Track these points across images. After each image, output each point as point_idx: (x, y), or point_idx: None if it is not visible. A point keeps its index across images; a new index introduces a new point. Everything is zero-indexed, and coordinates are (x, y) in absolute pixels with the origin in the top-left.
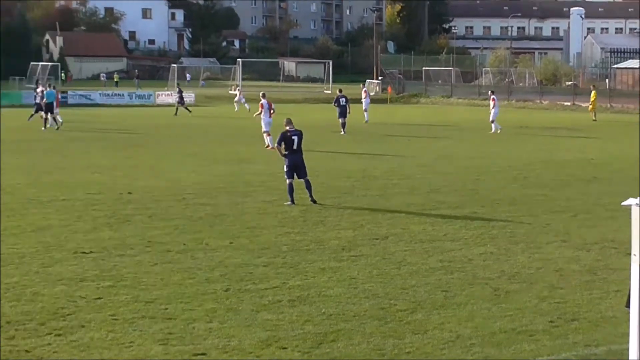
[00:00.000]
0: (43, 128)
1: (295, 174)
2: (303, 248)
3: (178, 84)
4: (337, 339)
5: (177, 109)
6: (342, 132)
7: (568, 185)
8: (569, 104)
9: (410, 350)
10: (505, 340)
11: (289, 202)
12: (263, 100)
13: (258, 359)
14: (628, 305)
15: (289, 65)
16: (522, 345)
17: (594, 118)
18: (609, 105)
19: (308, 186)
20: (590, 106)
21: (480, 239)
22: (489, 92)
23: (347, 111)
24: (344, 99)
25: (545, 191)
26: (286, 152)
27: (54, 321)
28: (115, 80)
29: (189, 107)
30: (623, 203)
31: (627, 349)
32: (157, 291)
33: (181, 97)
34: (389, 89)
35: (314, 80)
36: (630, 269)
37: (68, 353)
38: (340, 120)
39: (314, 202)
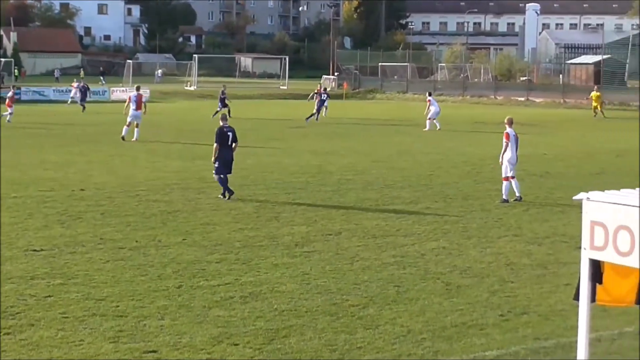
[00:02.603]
0: None
1: (225, 170)
2: (256, 244)
3: (81, 79)
4: (289, 335)
5: (84, 106)
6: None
7: (520, 180)
8: (523, 99)
9: (361, 346)
10: (456, 335)
11: (227, 195)
12: (131, 93)
13: (209, 356)
14: (577, 298)
15: (246, 61)
16: (472, 339)
17: (595, 114)
18: (562, 100)
19: (226, 181)
20: (597, 104)
21: (433, 234)
22: (427, 93)
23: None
24: (325, 95)
25: (498, 186)
26: (221, 149)
27: (2, 320)
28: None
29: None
30: (574, 197)
31: (576, 342)
32: (108, 289)
33: (84, 93)
34: (345, 84)
35: (270, 76)
36: (580, 263)
37: (17, 352)
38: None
39: (224, 197)
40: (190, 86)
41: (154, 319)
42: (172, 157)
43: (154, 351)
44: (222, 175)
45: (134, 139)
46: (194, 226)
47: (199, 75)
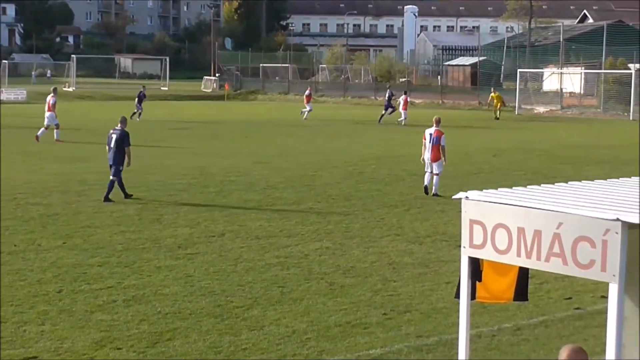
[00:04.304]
0: None
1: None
2: (138, 247)
3: None
4: (173, 338)
5: None
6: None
7: (401, 179)
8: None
9: (246, 347)
10: (340, 334)
11: (124, 197)
12: (49, 97)
13: None
14: (457, 296)
15: (125, 61)
16: (356, 338)
17: (497, 116)
18: (441, 101)
19: (109, 184)
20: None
21: (316, 234)
22: (404, 92)
23: (389, 105)
24: (389, 92)
25: (380, 186)
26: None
27: None
28: None
29: None
30: (453, 197)
31: (457, 339)
32: None
33: None
34: (227, 85)
35: (151, 77)
36: (459, 261)
37: None
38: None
39: (106, 200)
40: (68, 87)
41: (34, 324)
42: (51, 159)
43: (34, 357)
44: (112, 177)
45: (54, 139)
46: (75, 229)
47: (77, 76)
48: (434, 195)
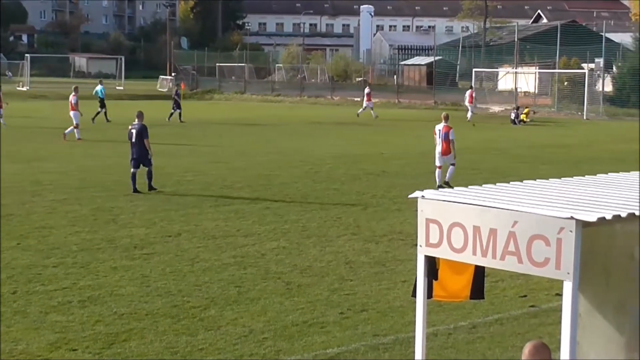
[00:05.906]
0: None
1: (140, 164)
2: (94, 247)
3: None
4: (129, 339)
5: None
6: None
7: (358, 179)
8: (359, 99)
9: (203, 347)
10: (297, 333)
11: (132, 191)
12: (70, 96)
13: None
14: (414, 294)
15: (80, 60)
16: (313, 338)
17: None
18: (397, 101)
19: (148, 175)
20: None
21: (273, 233)
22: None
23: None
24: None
25: (337, 185)
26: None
27: None
28: None
29: None
30: (410, 196)
31: (414, 337)
32: None
33: None
34: (182, 85)
35: (106, 76)
36: (416, 260)
37: None
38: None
39: (150, 189)
40: (22, 87)
41: None
42: (5, 159)
43: None
44: (132, 170)
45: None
46: (29, 230)
47: (31, 75)
48: (446, 182)
